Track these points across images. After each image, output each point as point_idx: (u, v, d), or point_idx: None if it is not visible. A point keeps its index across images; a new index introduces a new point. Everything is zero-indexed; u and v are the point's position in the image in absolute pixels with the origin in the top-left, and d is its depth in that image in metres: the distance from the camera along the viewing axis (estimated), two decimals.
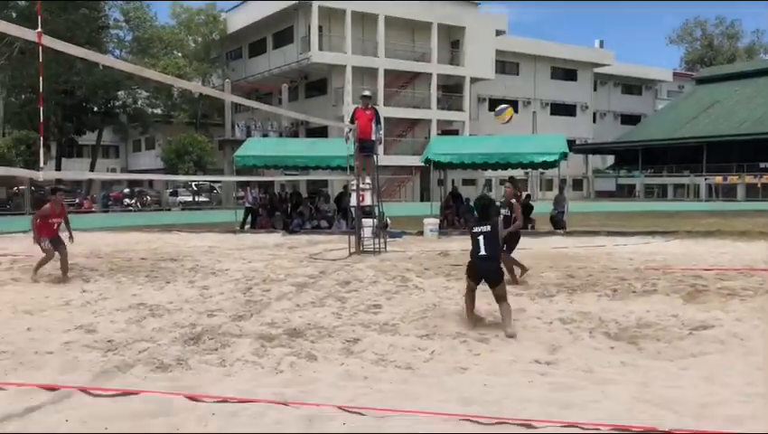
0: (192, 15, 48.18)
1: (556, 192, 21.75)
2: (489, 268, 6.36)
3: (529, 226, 18.52)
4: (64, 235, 9.92)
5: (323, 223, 19.49)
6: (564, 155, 18.30)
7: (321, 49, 41.74)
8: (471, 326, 6.36)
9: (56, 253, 9.52)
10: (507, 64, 53.22)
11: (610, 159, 59.99)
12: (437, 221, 17.77)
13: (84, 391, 4.55)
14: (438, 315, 6.99)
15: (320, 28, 41.74)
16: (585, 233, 17.29)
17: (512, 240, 9.09)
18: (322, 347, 5.74)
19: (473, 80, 48.07)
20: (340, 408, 4.16)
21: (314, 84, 45.60)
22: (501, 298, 6.30)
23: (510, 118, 14.65)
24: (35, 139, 33.86)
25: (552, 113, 55.74)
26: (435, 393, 4.50)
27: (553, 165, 18.61)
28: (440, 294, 8.30)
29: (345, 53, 42.19)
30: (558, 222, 18.61)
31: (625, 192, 50.29)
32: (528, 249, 12.00)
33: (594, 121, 60.02)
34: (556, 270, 10.19)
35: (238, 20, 47.79)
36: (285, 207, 20.37)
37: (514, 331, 6.09)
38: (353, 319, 6.88)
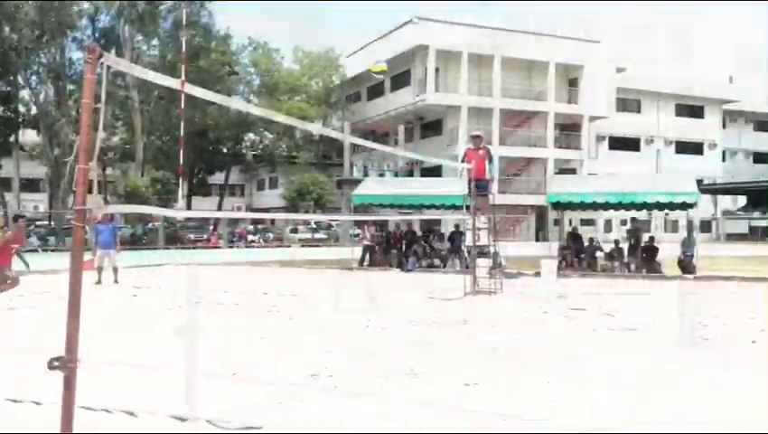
0: (313, 60, 50.52)
1: (682, 233, 20.59)
2: None
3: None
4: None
5: (437, 262, 19.49)
6: (699, 197, 17.27)
7: (437, 90, 42.34)
8: None
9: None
10: (628, 101, 51.53)
11: (741, 200, 56.14)
12: (556, 262, 17.28)
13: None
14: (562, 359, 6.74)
15: (436, 70, 42.39)
16: (715, 278, 16.19)
17: None
18: (435, 388, 5.68)
19: (592, 119, 46.88)
20: None
21: (430, 125, 46.19)
22: None
23: (382, 72, 13.92)
24: (170, 179, 36.45)
25: (677, 151, 53.14)
26: None
27: (684, 206, 17.64)
28: (560, 337, 8.02)
29: (460, 94, 42.50)
30: (687, 266, 17.56)
31: (759, 234, 46.73)
32: (648, 293, 11.39)
33: (724, 160, 56.57)
34: None
35: (357, 64, 49.50)
36: (400, 245, 20.59)
37: None
38: (467, 362, 6.77)
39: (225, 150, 51.86)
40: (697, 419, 4.84)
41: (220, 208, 53.06)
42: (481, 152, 13.50)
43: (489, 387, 5.76)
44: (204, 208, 53.41)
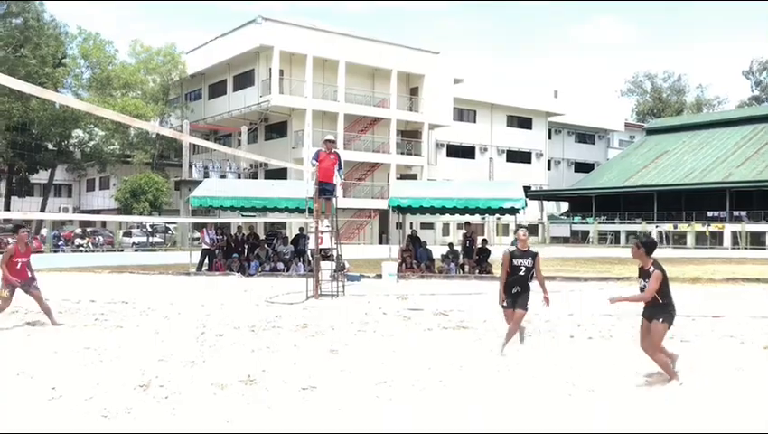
0: (151, 55, 47.97)
1: (512, 237, 22.01)
2: None
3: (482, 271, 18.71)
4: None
5: (280, 265, 19.26)
6: (525, 203, 18.57)
7: (281, 92, 41.97)
8: None
9: (31, 297, 9.16)
10: (464, 111, 54.31)
11: (564, 205, 61.27)
12: (396, 264, 17.75)
13: None
14: (397, 360, 6.90)
15: (281, 72, 42.04)
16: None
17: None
18: (277, 394, 5.59)
19: (432, 126, 48.87)
20: None
21: (274, 127, 45.70)
22: None
23: None
24: None
25: (508, 159, 56.87)
26: None
27: (513, 211, 18.88)
28: (398, 338, 8.22)
29: (305, 97, 42.49)
30: None
31: (579, 237, 51.29)
32: (482, 293, 12.04)
33: (549, 168, 61.41)
34: None
35: (198, 61, 47.75)
36: (242, 249, 20.09)
37: None
38: (310, 365, 6.74)
39: (50, 147, 47.65)
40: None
41: (43, 208, 48.68)
42: (332, 156, 13.57)
43: (327, 390, 5.75)
44: (26, 209, 48.82)
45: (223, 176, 40.54)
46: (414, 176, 46.41)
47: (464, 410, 5.19)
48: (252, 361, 6.91)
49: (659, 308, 5.97)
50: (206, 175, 38.89)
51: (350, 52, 43.54)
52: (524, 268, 7.38)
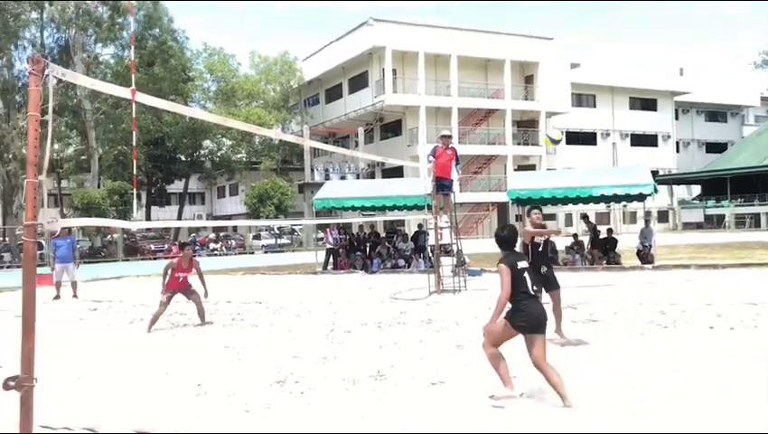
0: (270, 65, 50.17)
1: (640, 224, 21.02)
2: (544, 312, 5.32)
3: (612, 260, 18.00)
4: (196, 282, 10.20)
5: (401, 262, 19.54)
6: (655, 189, 17.57)
7: (395, 91, 42.47)
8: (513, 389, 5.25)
9: (190, 301, 9.97)
10: (583, 96, 52.45)
11: (696, 189, 57.63)
12: None
13: None
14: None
15: (393, 71, 42.54)
16: (674, 267, 16.58)
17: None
18: (406, 389, 5.69)
19: (549, 114, 47.62)
20: None
21: (389, 126, 46.32)
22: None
23: (556, 142, 14.21)
24: (127, 189, 35.75)
25: (632, 144, 54.34)
26: None
27: (641, 198, 18.00)
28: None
29: (419, 94, 42.73)
30: (645, 256, 17.93)
31: (714, 222, 48.04)
32: (613, 285, 11.61)
33: (678, 151, 58.02)
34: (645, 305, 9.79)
35: (314, 67, 49.38)
36: (364, 247, 20.58)
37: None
38: (436, 361, 6.80)
39: (183, 158, 51.10)
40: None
41: (180, 216, 52.27)
42: (449, 152, 13.60)
43: (455, 386, 5.79)
44: (164, 217, 52.60)
45: (343, 177, 41.61)
46: (532, 167, 45.45)
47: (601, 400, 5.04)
48: (380, 356, 7.07)
49: None
50: (327, 177, 40.08)
51: (461, 46, 43.33)
52: (541, 243, 7.46)
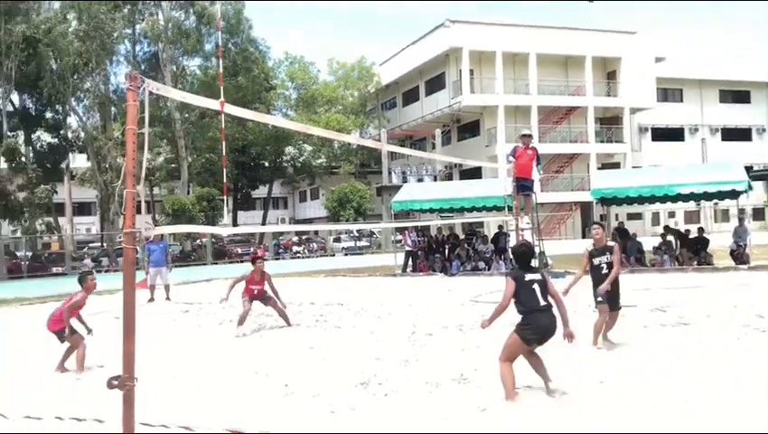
0: (348, 71, 50.98)
1: (733, 223, 20.01)
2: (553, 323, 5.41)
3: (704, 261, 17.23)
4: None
5: (481, 265, 19.36)
6: (749, 186, 16.72)
7: (472, 92, 42.20)
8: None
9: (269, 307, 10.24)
10: (669, 91, 50.42)
11: None
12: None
13: None
14: (613, 358, 6.64)
15: (471, 71, 42.28)
16: None
17: (614, 292, 7.40)
18: (489, 393, 5.66)
19: (633, 110, 46.08)
20: None
21: (467, 126, 46.05)
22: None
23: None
24: (215, 195, 37.10)
25: (723, 138, 51.73)
26: None
27: (734, 195, 17.16)
28: (612, 336, 7.88)
29: (497, 94, 42.29)
30: (740, 256, 17.06)
31: None
32: (705, 286, 11.11)
33: None
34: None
35: (391, 71, 49.75)
36: (443, 249, 20.54)
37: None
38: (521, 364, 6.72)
39: (266, 164, 52.68)
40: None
41: (264, 221, 53.84)
42: (530, 151, 13.43)
43: (539, 389, 5.72)
44: (249, 222, 54.26)
45: (420, 180, 41.66)
46: (616, 165, 44.08)
47: (705, 409, 4.86)
48: (463, 360, 7.06)
49: None
50: (404, 180, 40.24)
51: (539, 43, 42.60)
52: (605, 265, 7.21)
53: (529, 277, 5.42)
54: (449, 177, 44.30)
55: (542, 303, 5.37)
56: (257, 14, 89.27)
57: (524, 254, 5.68)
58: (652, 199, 19.04)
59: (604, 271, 7.20)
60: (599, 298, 7.27)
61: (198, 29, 38.78)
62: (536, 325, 5.33)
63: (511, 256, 5.65)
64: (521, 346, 5.43)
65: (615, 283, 7.26)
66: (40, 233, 36.81)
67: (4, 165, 34.71)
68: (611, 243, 7.43)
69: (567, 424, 4.77)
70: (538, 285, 5.38)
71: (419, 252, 20.51)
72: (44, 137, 41.11)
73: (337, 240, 41.27)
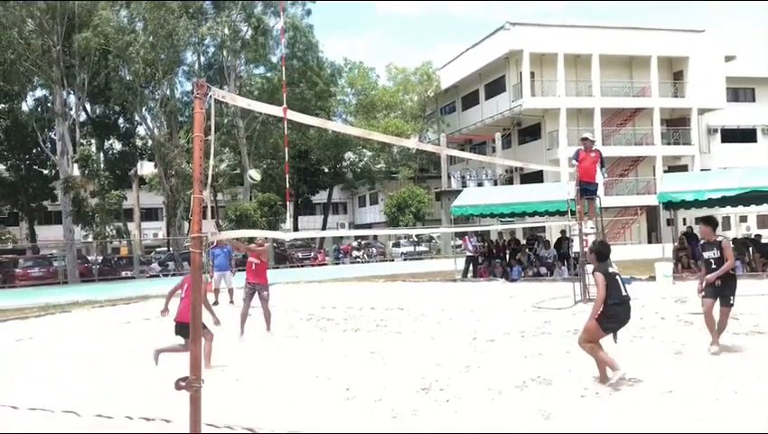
0: (407, 76, 51.07)
1: None
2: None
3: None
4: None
5: (543, 270, 19.02)
6: None
7: (533, 95, 41.59)
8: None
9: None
10: (740, 91, 48.45)
11: None
12: (671, 264, 16.45)
13: None
14: (681, 368, 6.41)
15: (531, 74, 41.70)
16: None
17: (729, 287, 7.26)
18: (553, 401, 5.55)
19: (701, 111, 44.49)
20: None
21: (527, 130, 45.40)
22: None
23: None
24: (276, 200, 37.71)
25: None
26: None
27: None
28: (680, 345, 7.62)
29: (558, 96, 41.56)
30: None
31: None
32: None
33: None
34: None
35: (450, 75, 49.54)
36: (504, 255, 20.29)
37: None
38: (584, 372, 6.57)
39: (326, 170, 53.31)
40: None
41: (324, 226, 54.43)
42: (593, 155, 13.15)
43: (609, 398, 5.57)
44: (309, 227, 54.93)
45: (480, 184, 41.30)
46: (684, 167, 42.60)
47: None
48: (526, 367, 6.94)
49: None
50: (464, 185, 39.97)
51: (602, 44, 41.62)
52: (713, 261, 7.21)
53: (612, 270, 6.07)
54: (509, 181, 43.74)
55: (624, 293, 6.05)
56: (319, 18, 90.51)
57: (603, 250, 6.27)
58: (723, 202, 18.30)
59: (713, 266, 7.22)
60: (703, 293, 7.35)
61: (255, 39, 39.52)
62: (618, 316, 6.02)
63: (589, 253, 6.43)
64: (600, 332, 6.04)
65: (727, 278, 7.18)
66: (110, 238, 38.20)
67: (78, 172, 36.19)
68: (719, 238, 7.36)
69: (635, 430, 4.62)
70: (620, 277, 6.05)
71: (480, 257, 20.32)
72: (116, 145, 42.76)
73: (396, 244, 41.32)
